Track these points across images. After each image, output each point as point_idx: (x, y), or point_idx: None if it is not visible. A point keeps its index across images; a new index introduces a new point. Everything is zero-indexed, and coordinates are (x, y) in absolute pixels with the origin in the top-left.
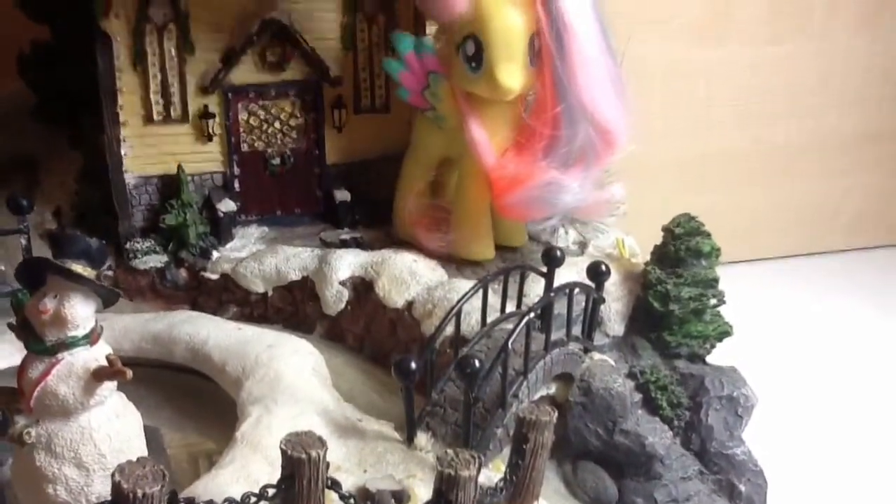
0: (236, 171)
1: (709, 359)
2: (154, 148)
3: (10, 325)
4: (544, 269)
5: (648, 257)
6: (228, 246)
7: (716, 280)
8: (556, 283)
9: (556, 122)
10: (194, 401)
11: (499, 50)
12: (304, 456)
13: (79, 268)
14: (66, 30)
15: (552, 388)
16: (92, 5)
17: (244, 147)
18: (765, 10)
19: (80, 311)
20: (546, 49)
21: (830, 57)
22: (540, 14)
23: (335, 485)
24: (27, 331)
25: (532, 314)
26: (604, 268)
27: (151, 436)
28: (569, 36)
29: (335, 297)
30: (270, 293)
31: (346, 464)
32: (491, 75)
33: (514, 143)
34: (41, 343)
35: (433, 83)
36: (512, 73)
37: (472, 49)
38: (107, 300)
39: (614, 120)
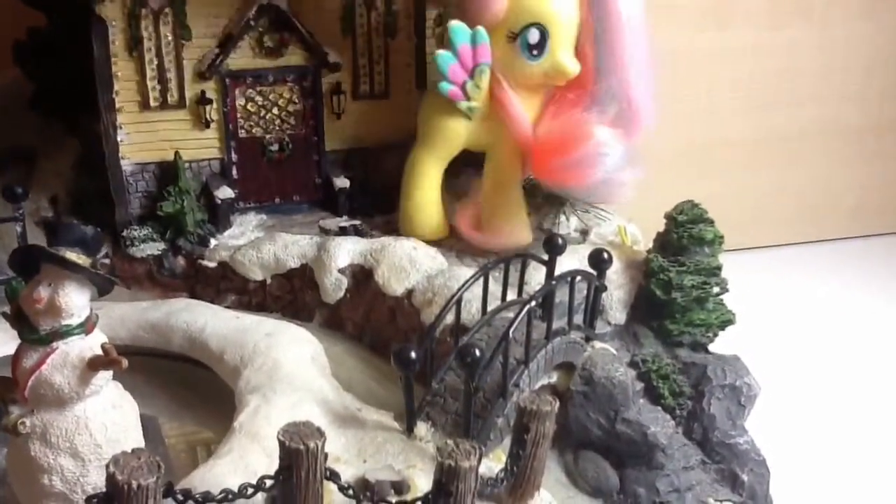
0: (234, 157)
1: (711, 347)
2: (151, 134)
3: (3, 314)
4: (545, 257)
5: (651, 245)
6: (226, 233)
7: (719, 268)
8: (558, 271)
9: (593, 96)
10: (192, 390)
11: (563, 37)
12: (302, 447)
13: (73, 256)
14: (63, 16)
15: (553, 378)
16: None
17: (242, 133)
18: None
19: (75, 300)
20: (587, 27)
21: (832, 45)
22: None
23: (334, 475)
24: (21, 320)
25: (533, 302)
26: (606, 255)
27: (149, 425)
28: (614, 16)
29: (334, 285)
30: (269, 281)
31: (345, 454)
32: (555, 62)
33: (550, 112)
34: (35, 332)
35: (478, 74)
36: (572, 59)
37: (535, 37)
38: (102, 288)
39: (645, 101)
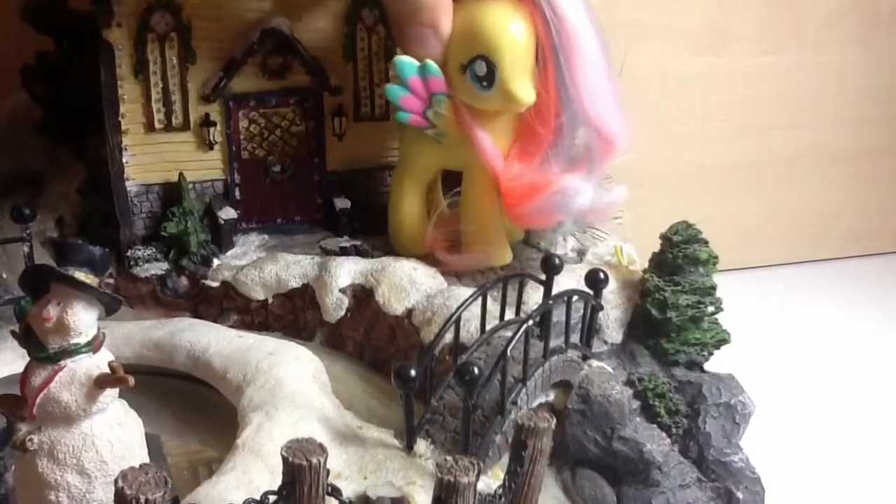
0: (237, 178)
1: (706, 366)
2: (155, 156)
3: (13, 333)
4: (543, 277)
5: (646, 265)
6: (229, 253)
7: (713, 287)
8: (555, 290)
9: (560, 127)
10: (195, 408)
11: (512, 69)
12: (304, 462)
13: (82, 275)
14: (70, 41)
15: (551, 396)
16: (96, 16)
17: (245, 155)
18: (760, 23)
19: (83, 319)
20: (549, 57)
21: (826, 70)
22: (541, 25)
23: (335, 491)
24: (30, 338)
25: (531, 321)
26: (602, 275)
27: (152, 443)
28: (570, 46)
29: (335, 305)
30: (271, 300)
31: (346, 471)
32: (507, 92)
33: (517, 149)
34: (44, 350)
35: (436, 103)
36: (526, 88)
37: (482, 70)
38: (109, 308)
39: (614, 126)
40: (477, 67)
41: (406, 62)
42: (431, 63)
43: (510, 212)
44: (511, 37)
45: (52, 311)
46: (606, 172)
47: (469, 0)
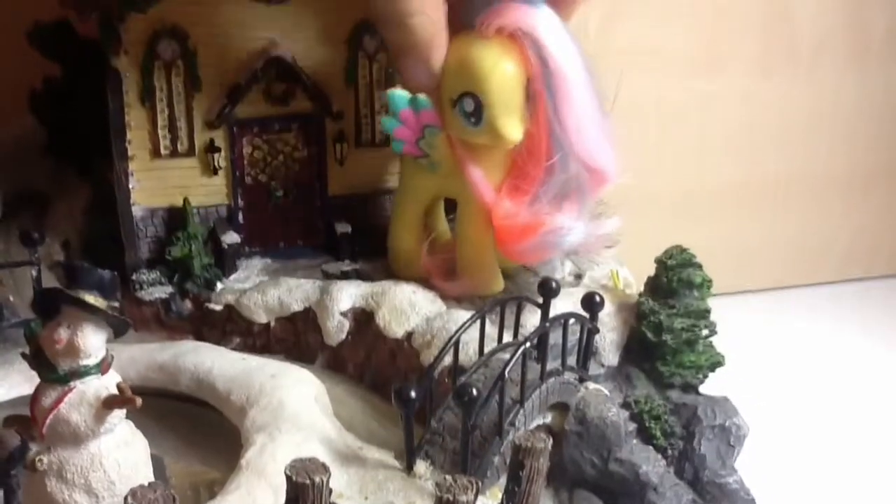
0: (241, 203)
1: (701, 389)
2: (161, 181)
3: (23, 355)
4: (540, 300)
5: (642, 288)
6: (232, 277)
7: (707, 311)
8: (552, 313)
9: (551, 164)
10: (198, 430)
11: (500, 107)
12: (307, 481)
13: (91, 298)
14: (78, 68)
15: (548, 417)
16: (103, 43)
17: (248, 180)
18: (754, 49)
19: (93, 341)
20: (539, 94)
21: (819, 94)
22: (530, 64)
23: None
24: (40, 360)
25: (528, 344)
26: (598, 299)
27: (155, 464)
28: (558, 82)
29: (337, 328)
30: (273, 324)
31: (347, 491)
32: (494, 129)
33: (509, 185)
34: (54, 372)
35: (428, 135)
36: (514, 125)
37: (471, 106)
38: (118, 330)
39: (603, 159)
40: (465, 104)
41: (397, 95)
42: (421, 97)
43: (502, 248)
44: (499, 75)
45: (62, 333)
46: (601, 198)
47: (461, 37)
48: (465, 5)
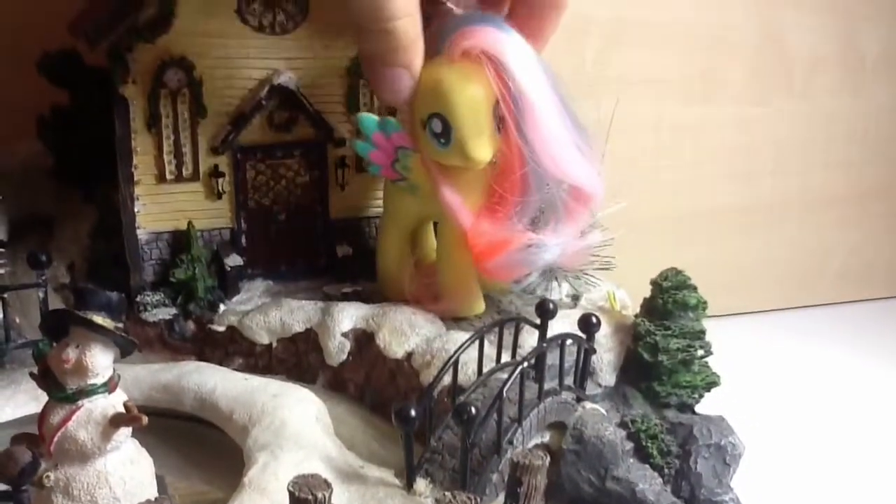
0: (244, 226)
1: (697, 408)
2: (166, 205)
3: (31, 374)
4: (538, 321)
5: (638, 310)
6: (235, 299)
7: (703, 332)
8: (550, 334)
9: (524, 184)
10: (201, 450)
11: (467, 128)
12: (310, 497)
13: (100, 319)
14: (85, 94)
15: (546, 436)
16: (112, 73)
17: (251, 204)
18: (748, 72)
19: (100, 361)
20: (510, 114)
21: (813, 116)
22: (497, 84)
23: None
24: (49, 379)
25: (526, 364)
26: (595, 319)
27: (157, 484)
28: (525, 104)
29: (337, 348)
30: (275, 344)
31: None
32: (462, 150)
33: (485, 206)
34: (63, 390)
35: (402, 157)
36: (482, 147)
37: (439, 127)
38: (124, 350)
39: (581, 177)
40: (433, 124)
41: (366, 118)
42: (391, 119)
43: (478, 266)
44: (465, 96)
45: (71, 353)
46: (593, 220)
47: (431, 60)
48: (435, 31)
